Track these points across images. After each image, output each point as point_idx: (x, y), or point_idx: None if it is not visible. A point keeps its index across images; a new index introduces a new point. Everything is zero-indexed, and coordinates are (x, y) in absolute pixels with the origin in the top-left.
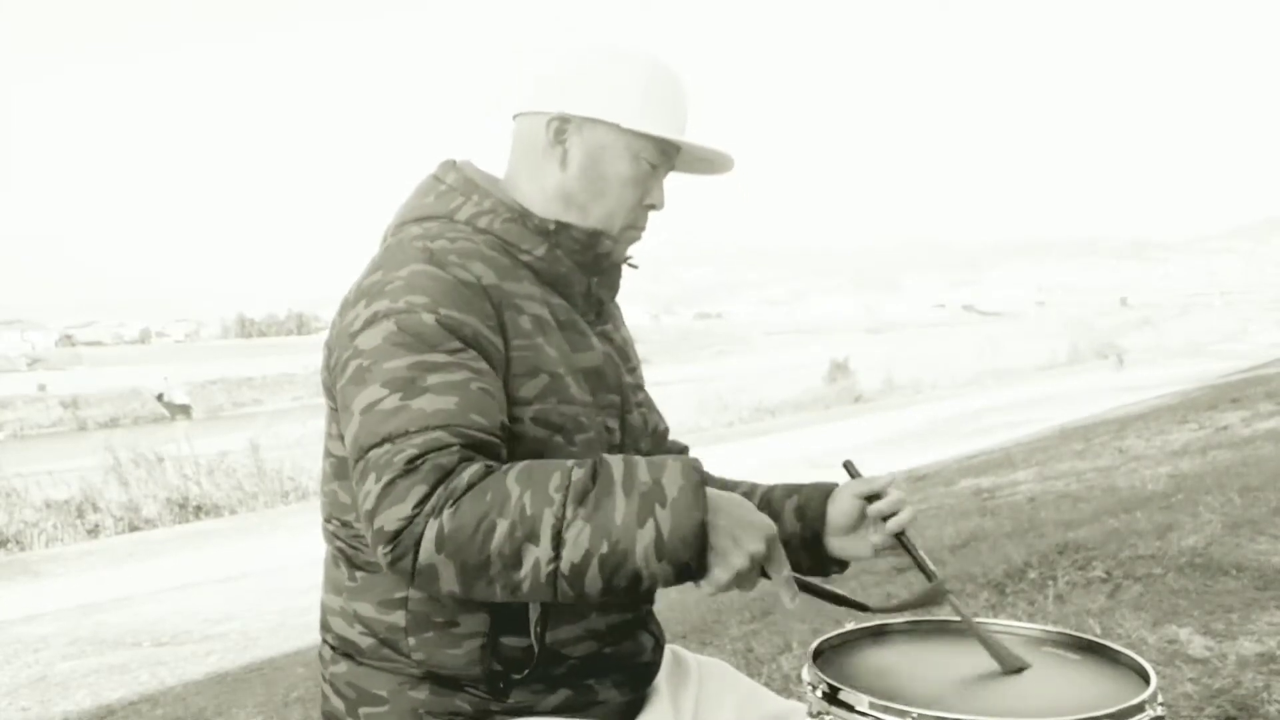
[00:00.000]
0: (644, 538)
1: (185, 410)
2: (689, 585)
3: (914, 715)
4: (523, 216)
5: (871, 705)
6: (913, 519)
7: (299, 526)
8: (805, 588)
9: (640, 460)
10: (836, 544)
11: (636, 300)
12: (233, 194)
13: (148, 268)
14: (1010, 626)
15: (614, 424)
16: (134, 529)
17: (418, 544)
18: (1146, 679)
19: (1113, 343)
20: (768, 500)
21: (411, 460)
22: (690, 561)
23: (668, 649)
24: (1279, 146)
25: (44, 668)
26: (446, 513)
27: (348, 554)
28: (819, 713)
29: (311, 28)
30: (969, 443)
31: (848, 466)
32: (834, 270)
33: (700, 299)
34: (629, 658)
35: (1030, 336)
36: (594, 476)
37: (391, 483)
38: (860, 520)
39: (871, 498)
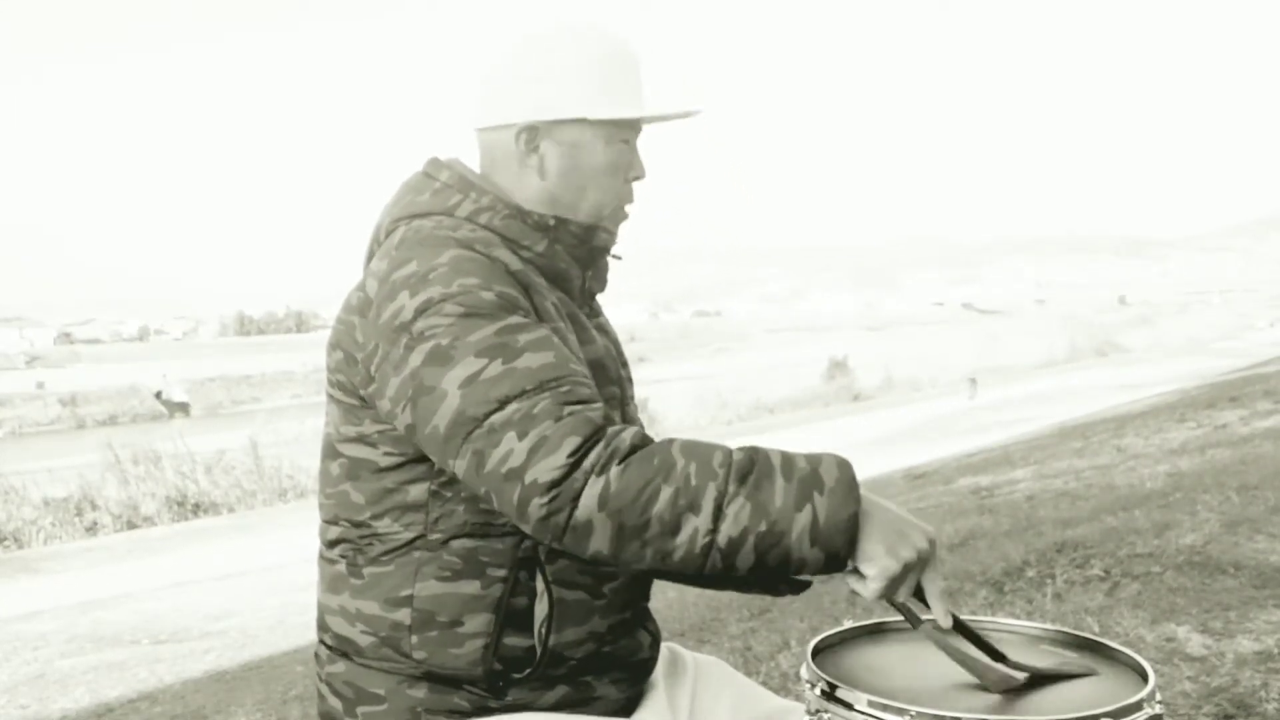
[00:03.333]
0: (801, 521)
1: (184, 408)
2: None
3: (912, 714)
4: (521, 213)
5: (870, 703)
6: None
7: (298, 524)
8: (960, 627)
9: (795, 451)
10: None
11: (635, 298)
12: (232, 192)
13: (146, 265)
14: (1009, 625)
15: (615, 416)
16: (132, 527)
17: (576, 499)
18: (1145, 677)
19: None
20: None
21: (559, 405)
22: (841, 550)
23: (665, 646)
24: (1278, 144)
25: (43, 665)
26: (614, 470)
27: (354, 553)
28: (817, 710)
29: (312, 26)
30: (967, 441)
31: None
32: (833, 267)
33: (699, 296)
34: (627, 655)
35: (1029, 334)
36: (753, 458)
37: (542, 436)
38: None
39: None
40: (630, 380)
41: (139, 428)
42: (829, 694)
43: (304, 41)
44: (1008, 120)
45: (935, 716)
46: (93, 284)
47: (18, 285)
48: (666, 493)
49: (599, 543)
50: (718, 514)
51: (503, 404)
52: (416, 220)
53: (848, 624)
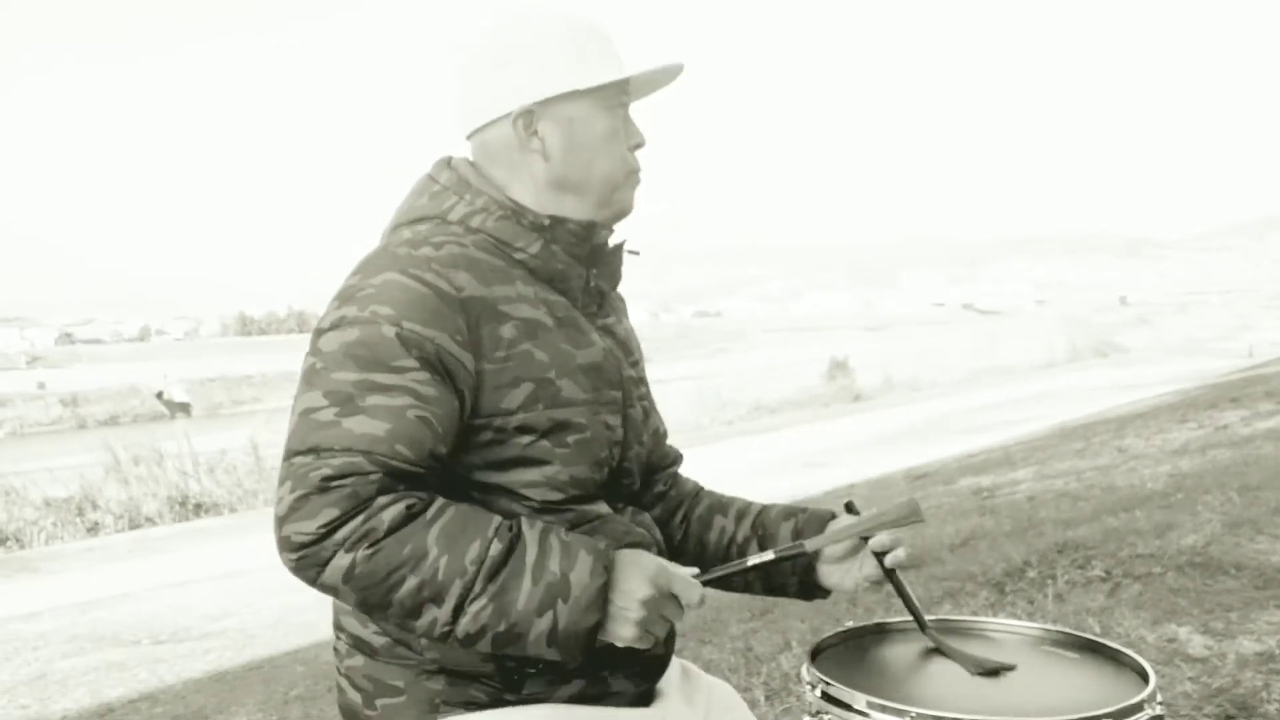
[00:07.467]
0: (540, 626)
1: (185, 408)
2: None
3: (912, 715)
4: (516, 213)
5: (869, 704)
6: (906, 559)
7: None
8: (711, 582)
9: (555, 546)
10: (826, 572)
11: (635, 298)
12: (233, 191)
13: (147, 265)
14: (1010, 625)
15: (615, 420)
16: (134, 527)
17: (323, 565)
18: (1146, 678)
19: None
20: (762, 521)
21: (326, 479)
22: (577, 655)
23: (677, 662)
24: (1277, 144)
25: (43, 665)
26: (362, 553)
27: None
28: (818, 712)
29: (316, 24)
30: (968, 441)
31: (849, 507)
32: (832, 267)
33: (699, 297)
34: (642, 650)
35: (1029, 334)
36: (509, 553)
37: (305, 497)
38: (853, 554)
39: (865, 538)
40: (640, 380)
41: (140, 428)
42: (829, 695)
43: (305, 41)
44: (1008, 120)
45: (935, 717)
46: (93, 284)
47: (18, 285)
48: (411, 582)
49: (345, 603)
50: (458, 611)
51: (307, 451)
52: (409, 226)
53: (848, 624)
